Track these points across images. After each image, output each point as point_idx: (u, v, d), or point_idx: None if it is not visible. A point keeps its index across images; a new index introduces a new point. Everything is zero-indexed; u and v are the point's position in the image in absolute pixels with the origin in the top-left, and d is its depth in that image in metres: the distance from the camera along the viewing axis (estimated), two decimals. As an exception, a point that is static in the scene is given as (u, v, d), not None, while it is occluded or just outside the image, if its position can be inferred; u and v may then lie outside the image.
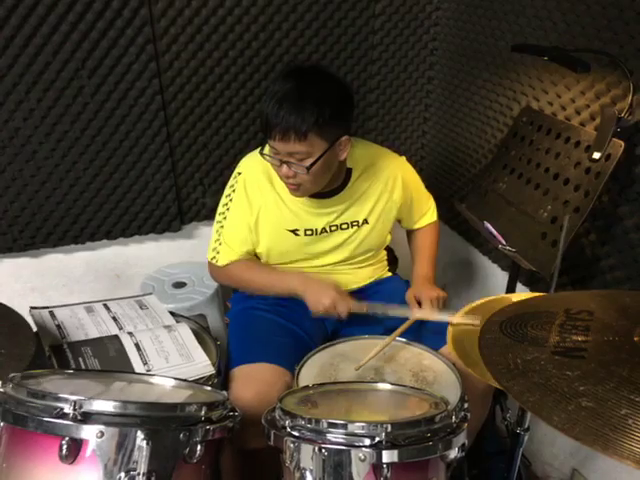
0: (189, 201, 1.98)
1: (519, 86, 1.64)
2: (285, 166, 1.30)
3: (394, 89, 2.04)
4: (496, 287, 1.90)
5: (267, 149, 1.34)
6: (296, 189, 1.36)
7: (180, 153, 1.87)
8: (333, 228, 1.47)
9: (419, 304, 1.47)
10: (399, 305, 1.46)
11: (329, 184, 1.41)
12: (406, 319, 1.39)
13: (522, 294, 1.64)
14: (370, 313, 1.37)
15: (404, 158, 1.59)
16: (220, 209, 1.50)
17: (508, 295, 1.63)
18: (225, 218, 1.48)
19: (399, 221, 1.64)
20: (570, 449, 1.69)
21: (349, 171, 1.46)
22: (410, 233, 1.70)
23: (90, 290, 2.00)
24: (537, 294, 1.35)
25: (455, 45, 1.91)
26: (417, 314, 1.40)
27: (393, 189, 1.51)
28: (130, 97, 1.72)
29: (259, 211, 1.44)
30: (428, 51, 2.01)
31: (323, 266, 1.54)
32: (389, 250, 1.73)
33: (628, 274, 1.37)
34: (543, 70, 1.53)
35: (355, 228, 1.49)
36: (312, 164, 1.27)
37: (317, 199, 1.43)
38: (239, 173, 1.47)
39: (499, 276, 1.89)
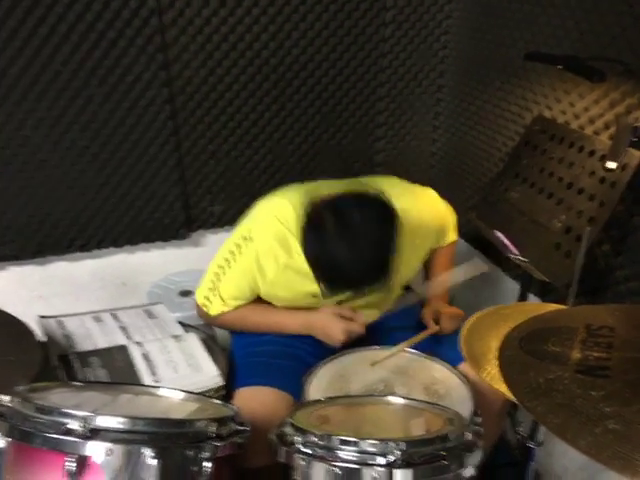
0: (197, 209, 1.97)
1: (531, 94, 1.62)
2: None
3: (404, 97, 2.02)
4: (506, 297, 1.87)
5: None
6: None
7: (189, 161, 1.87)
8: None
9: (436, 322, 1.45)
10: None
11: None
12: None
13: (535, 303, 1.62)
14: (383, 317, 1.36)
15: (430, 192, 1.52)
16: (220, 260, 1.37)
17: (521, 303, 1.62)
18: (224, 273, 1.36)
19: None
20: (581, 463, 1.66)
21: None
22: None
23: (96, 298, 1.98)
24: (551, 305, 1.34)
25: (466, 53, 1.90)
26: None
27: (425, 237, 1.44)
28: (139, 106, 1.72)
29: (273, 280, 1.33)
30: (439, 59, 1.99)
31: None
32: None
33: (643, 286, 1.34)
34: (556, 78, 1.51)
35: None
36: None
37: None
38: (250, 238, 1.31)
39: (510, 286, 1.86)
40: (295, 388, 1.25)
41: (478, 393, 1.20)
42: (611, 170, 1.28)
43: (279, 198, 1.33)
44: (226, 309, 1.38)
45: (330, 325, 1.31)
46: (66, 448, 0.75)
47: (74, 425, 0.75)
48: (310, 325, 1.36)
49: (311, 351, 1.42)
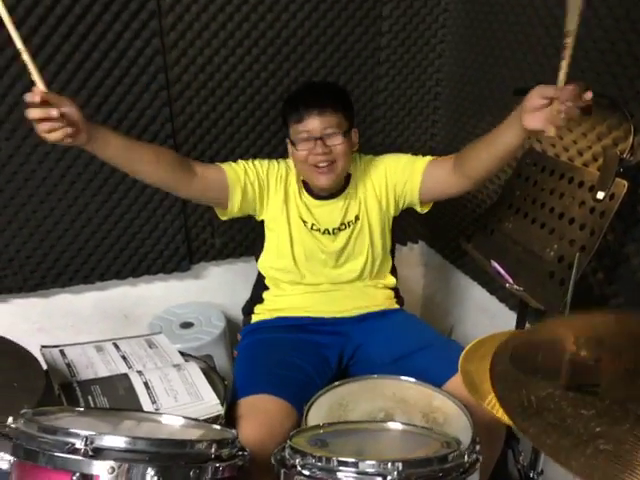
0: (198, 241, 2.00)
1: (522, 129, 1.67)
2: (320, 143, 1.41)
3: (400, 119, 2.07)
4: (504, 326, 1.88)
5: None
6: (327, 171, 1.45)
7: (190, 194, 1.91)
8: (335, 231, 1.58)
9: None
10: None
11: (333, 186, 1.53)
12: None
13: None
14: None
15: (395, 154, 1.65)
16: None
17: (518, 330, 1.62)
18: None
19: (416, 200, 1.63)
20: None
21: (348, 176, 1.57)
22: (453, 165, 1.52)
23: (98, 330, 2.00)
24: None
25: (458, 90, 1.97)
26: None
27: (381, 185, 1.58)
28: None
29: (269, 182, 1.56)
30: (432, 96, 2.06)
31: (335, 283, 1.61)
32: (395, 290, 1.74)
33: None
34: (545, 113, 1.56)
35: (351, 227, 1.58)
36: (346, 131, 1.44)
37: (321, 200, 1.56)
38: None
39: (507, 315, 1.88)
40: (295, 397, 1.29)
41: (471, 410, 1.21)
42: (600, 200, 1.32)
43: None
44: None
45: None
46: (70, 467, 0.76)
47: (78, 444, 0.76)
48: None
49: (312, 364, 1.46)
